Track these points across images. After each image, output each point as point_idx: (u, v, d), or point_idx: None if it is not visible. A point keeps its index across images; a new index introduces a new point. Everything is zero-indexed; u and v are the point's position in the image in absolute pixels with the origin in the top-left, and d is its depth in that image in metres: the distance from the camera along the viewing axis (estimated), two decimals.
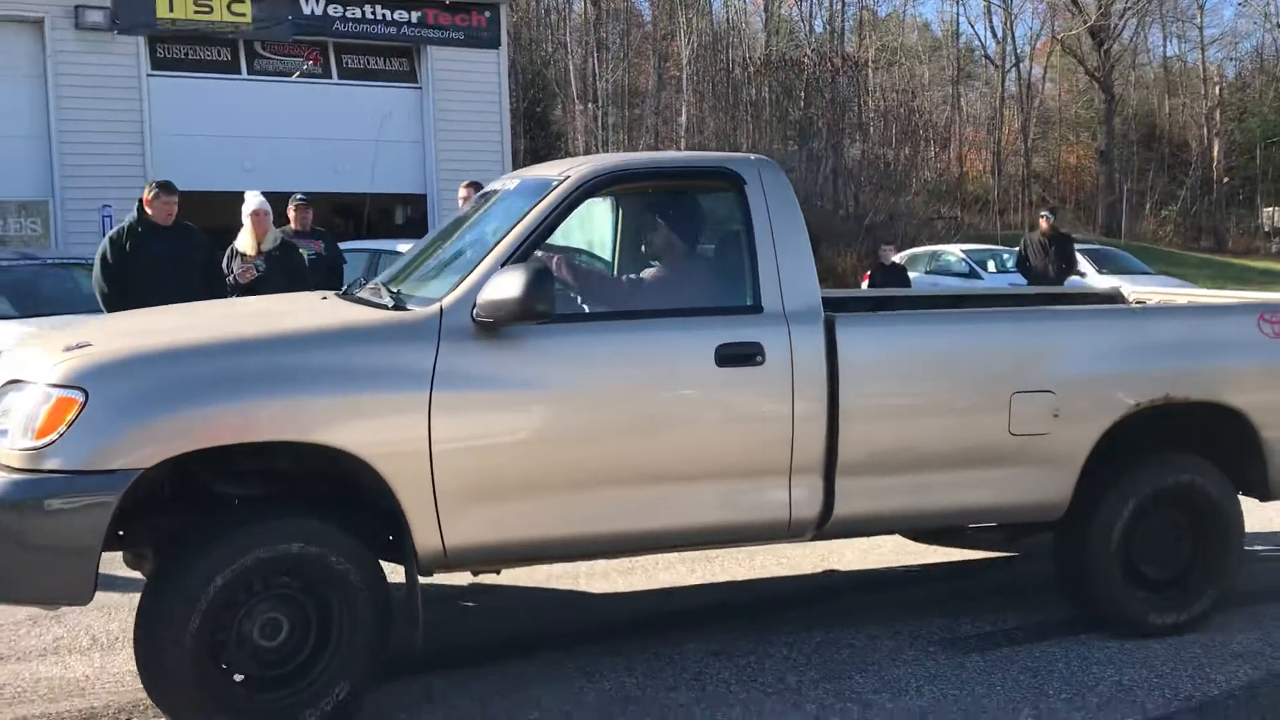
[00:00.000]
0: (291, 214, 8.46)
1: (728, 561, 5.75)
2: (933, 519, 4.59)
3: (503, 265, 3.80)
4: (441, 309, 3.78)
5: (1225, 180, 44.43)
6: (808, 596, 5.31)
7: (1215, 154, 44.30)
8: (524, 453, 3.79)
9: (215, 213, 10.24)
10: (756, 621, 4.86)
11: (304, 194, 8.82)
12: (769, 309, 4.09)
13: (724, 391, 4.01)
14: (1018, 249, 13.60)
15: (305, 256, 8.01)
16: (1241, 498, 4.81)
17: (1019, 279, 13.05)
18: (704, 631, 4.71)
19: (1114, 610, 4.60)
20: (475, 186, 8.35)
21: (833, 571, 5.64)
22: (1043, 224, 12.57)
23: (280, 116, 16.00)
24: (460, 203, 8.32)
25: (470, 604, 5.17)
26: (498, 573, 4.37)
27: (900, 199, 38.30)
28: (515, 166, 35.38)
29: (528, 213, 4.00)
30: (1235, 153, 45.43)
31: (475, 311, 3.73)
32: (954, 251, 19.85)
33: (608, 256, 4.92)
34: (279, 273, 7.32)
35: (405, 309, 3.91)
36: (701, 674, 4.25)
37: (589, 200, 4.17)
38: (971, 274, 18.23)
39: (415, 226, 16.68)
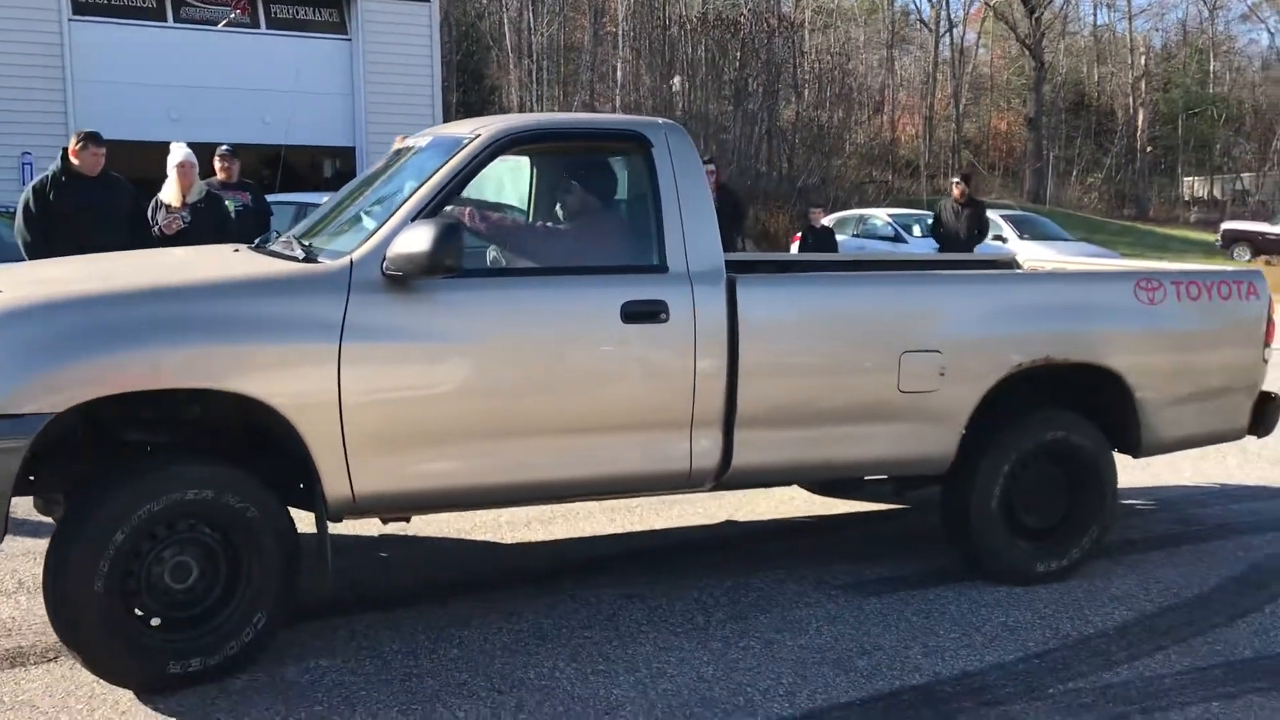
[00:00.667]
0: (217, 165, 8.43)
1: (646, 512, 5.96)
2: (826, 470, 4.79)
3: (413, 220, 3.91)
4: (352, 262, 3.88)
5: (1148, 149, 45.45)
6: (721, 544, 5.54)
7: (1139, 123, 45.26)
8: (432, 403, 3.91)
9: (140, 162, 10.13)
10: (671, 567, 5.09)
11: (230, 145, 8.78)
12: (673, 268, 4.24)
13: (629, 347, 4.16)
14: (932, 213, 13.95)
15: (232, 208, 8.00)
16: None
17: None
18: (620, 577, 4.93)
19: (995, 558, 4.86)
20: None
21: (731, 521, 5.87)
22: (955, 190, 12.88)
23: (207, 66, 15.77)
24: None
25: (394, 554, 5.31)
26: (407, 520, 4.48)
27: (833, 162, 38.67)
28: (447, 121, 34.91)
29: (438, 169, 4.10)
30: (1159, 122, 46.46)
31: (385, 265, 3.83)
32: (880, 215, 20.21)
33: (526, 214, 5.06)
34: (205, 224, 7.33)
35: (316, 261, 3.99)
36: (615, 615, 4.46)
37: (506, 158, 4.31)
38: (897, 238, 18.60)
39: (344, 180, 16.55)
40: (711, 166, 10.99)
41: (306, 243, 4.25)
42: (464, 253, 3.83)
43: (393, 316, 3.86)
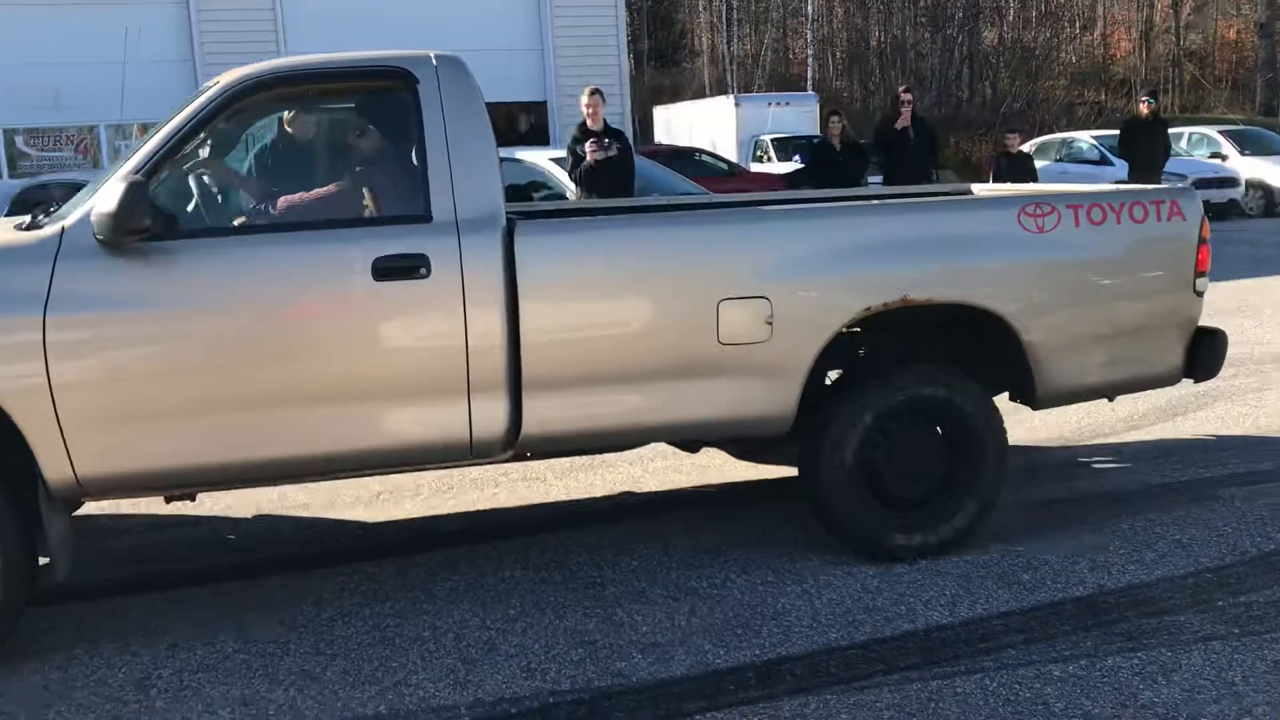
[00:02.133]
0: None
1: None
2: (642, 435, 4.31)
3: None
4: (63, 229, 3.65)
5: None
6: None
7: None
8: (156, 376, 3.66)
9: None
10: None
11: None
12: (439, 218, 3.85)
13: (383, 307, 3.80)
14: (1119, 133, 13.42)
15: None
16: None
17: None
18: (794, 500, 5.15)
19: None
20: (598, 93, 8.78)
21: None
22: (1143, 109, 12.38)
23: (405, 30, 16.54)
24: (583, 109, 8.74)
25: (582, 475, 5.69)
26: (192, 499, 4.28)
27: (1039, 84, 36.98)
28: (638, 68, 34.94)
29: (166, 124, 3.84)
30: None
31: (94, 230, 3.59)
32: (1085, 138, 19.33)
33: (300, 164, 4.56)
34: None
35: (37, 230, 3.75)
36: (779, 531, 4.71)
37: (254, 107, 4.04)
38: (1102, 160, 17.79)
39: (538, 134, 17.15)
40: (909, 97, 10.89)
41: (49, 210, 4.05)
42: (156, 212, 3.61)
43: (110, 285, 3.62)
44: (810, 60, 37.04)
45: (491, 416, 3.91)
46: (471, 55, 15.75)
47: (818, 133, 20.58)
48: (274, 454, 3.80)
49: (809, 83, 34.16)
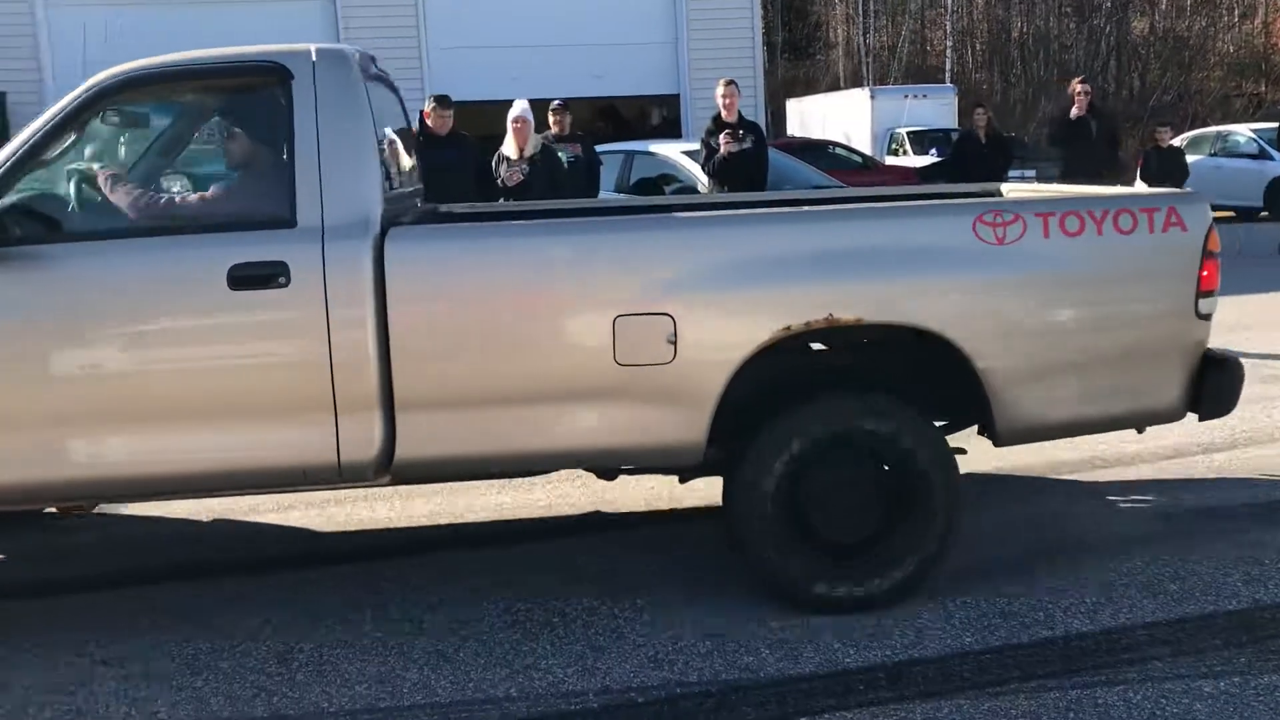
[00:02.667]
0: (550, 119, 9.08)
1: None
2: (534, 462, 3.96)
3: None
4: None
5: None
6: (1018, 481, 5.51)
7: None
8: (4, 387, 3.61)
9: (487, 121, 11.07)
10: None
11: (562, 99, 9.42)
12: (304, 223, 3.65)
13: (239, 318, 3.64)
14: (1276, 127, 12.72)
15: (564, 159, 8.63)
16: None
17: None
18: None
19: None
20: (733, 85, 8.74)
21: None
22: None
23: (542, 24, 16.78)
24: (718, 101, 8.72)
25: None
26: (85, 512, 4.26)
27: (1192, 76, 35.44)
28: (771, 61, 34.67)
29: (28, 128, 3.77)
30: None
31: None
32: (1242, 131, 18.39)
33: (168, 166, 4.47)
34: (541, 175, 7.98)
35: None
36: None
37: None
38: (1262, 155, 16.91)
39: (671, 127, 17.17)
40: (1086, 87, 10.48)
41: None
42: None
43: None
44: (949, 52, 36.20)
45: (362, 438, 3.67)
46: (605, 49, 15.97)
47: (955, 125, 20.16)
48: (125, 472, 3.68)
49: (947, 75, 33.42)
